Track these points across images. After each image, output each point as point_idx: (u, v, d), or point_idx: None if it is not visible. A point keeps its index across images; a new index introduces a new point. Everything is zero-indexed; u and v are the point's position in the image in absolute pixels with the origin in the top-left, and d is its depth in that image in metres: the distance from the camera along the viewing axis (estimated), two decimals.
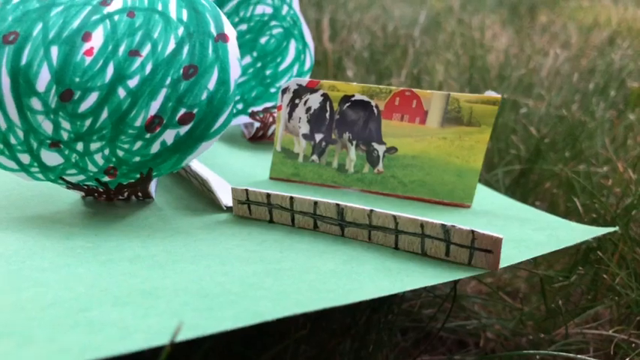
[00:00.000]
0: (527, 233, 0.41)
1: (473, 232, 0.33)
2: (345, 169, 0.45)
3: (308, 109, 0.44)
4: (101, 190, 0.37)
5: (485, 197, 0.48)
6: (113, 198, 0.38)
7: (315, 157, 0.45)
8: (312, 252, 0.34)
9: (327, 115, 0.44)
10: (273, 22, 0.51)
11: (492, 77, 0.78)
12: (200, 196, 0.41)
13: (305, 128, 0.44)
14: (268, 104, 0.51)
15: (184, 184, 0.43)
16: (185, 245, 0.34)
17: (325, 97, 0.44)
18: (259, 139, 0.52)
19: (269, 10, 0.51)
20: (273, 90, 0.51)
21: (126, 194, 0.38)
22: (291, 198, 0.37)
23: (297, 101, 0.44)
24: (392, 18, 1.33)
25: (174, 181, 0.43)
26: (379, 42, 0.96)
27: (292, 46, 0.51)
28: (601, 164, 0.61)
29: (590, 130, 0.68)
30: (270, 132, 0.52)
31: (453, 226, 0.34)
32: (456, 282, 0.44)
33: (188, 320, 0.26)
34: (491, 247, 0.33)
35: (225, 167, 0.49)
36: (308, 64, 0.52)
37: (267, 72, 0.51)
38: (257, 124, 0.52)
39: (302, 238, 0.36)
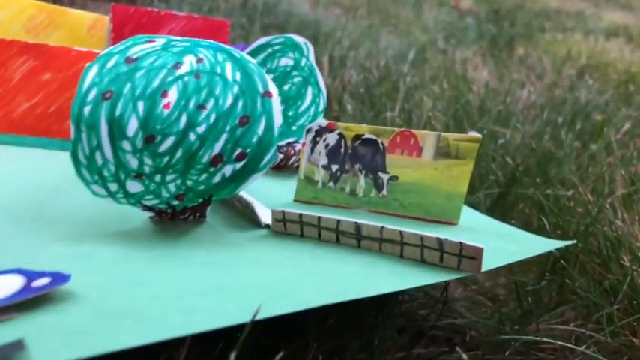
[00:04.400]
0: (503, 245, 0.51)
1: (461, 243, 0.43)
2: (356, 194, 0.55)
3: (327, 145, 0.54)
4: (169, 211, 0.47)
5: (469, 216, 0.59)
6: (175, 218, 0.48)
7: (331, 184, 0.55)
8: (337, 259, 0.45)
9: (342, 150, 0.54)
10: (294, 72, 0.61)
11: (474, 111, 0.89)
12: (242, 215, 0.51)
13: (324, 160, 0.55)
14: (290, 139, 0.62)
15: (228, 206, 0.53)
16: (239, 254, 0.44)
17: (341, 135, 0.54)
18: (282, 168, 0.62)
19: (290, 62, 0.61)
20: (294, 128, 0.62)
21: (187, 215, 0.48)
22: (319, 218, 0.47)
23: (317, 139, 0.54)
24: (382, 52, 1.45)
25: (220, 204, 0.53)
26: (372, 77, 1.08)
27: (309, 91, 0.62)
28: (567, 188, 0.72)
29: (558, 158, 0.79)
30: (290, 162, 0.62)
31: (446, 239, 0.44)
32: (447, 285, 0.54)
33: (251, 305, 0.36)
34: (475, 254, 0.43)
35: (255, 191, 0.58)
36: (322, 106, 0.63)
37: (289, 113, 0.61)
38: (280, 156, 0.62)
39: (327, 249, 0.46)
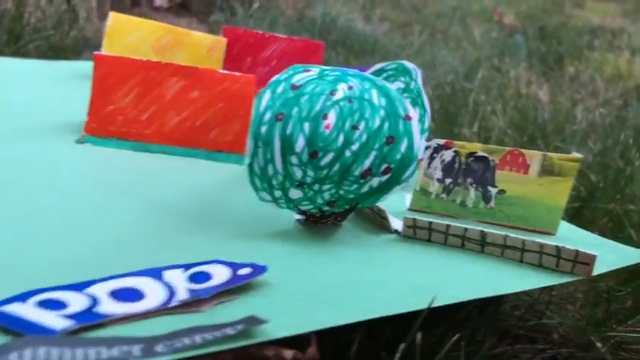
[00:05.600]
0: (602, 254, 0.58)
1: (577, 250, 0.50)
2: (466, 205, 0.62)
3: (442, 161, 0.62)
4: (317, 215, 0.54)
5: (564, 228, 0.65)
6: (318, 221, 0.55)
7: (444, 195, 0.62)
8: (465, 262, 0.52)
9: (456, 165, 0.62)
10: (405, 95, 0.69)
11: (549, 130, 0.96)
12: (370, 221, 0.59)
13: (439, 174, 0.62)
14: None
15: (357, 212, 0.60)
16: (379, 254, 0.52)
17: (456, 152, 0.61)
18: None
19: (402, 86, 0.69)
20: None
21: (329, 219, 0.55)
22: (448, 225, 0.54)
23: (435, 155, 0.62)
24: (439, 67, 1.52)
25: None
26: (445, 94, 1.15)
27: (417, 112, 0.69)
28: None
29: (629, 176, 0.85)
30: None
31: (564, 246, 0.51)
32: (551, 289, 0.61)
33: (414, 297, 0.43)
34: (588, 261, 0.50)
35: None
36: (427, 124, 0.70)
37: None
38: None
39: (453, 252, 0.53)
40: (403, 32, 2.11)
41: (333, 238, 0.54)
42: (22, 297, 0.37)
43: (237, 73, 0.66)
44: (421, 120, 0.70)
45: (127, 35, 0.79)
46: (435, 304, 0.42)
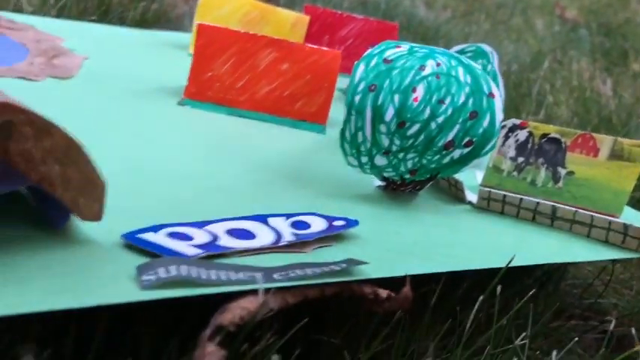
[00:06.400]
0: None
1: None
2: (535, 184, 0.66)
3: (516, 140, 0.65)
4: (398, 182, 0.59)
5: (627, 212, 0.68)
6: (398, 188, 0.60)
7: (515, 173, 0.66)
8: (535, 231, 0.55)
9: (529, 145, 0.65)
10: None
11: (614, 122, 0.98)
12: (446, 192, 0.63)
13: (512, 153, 0.66)
14: None
15: (433, 183, 0.64)
16: (456, 219, 0.56)
17: (530, 133, 0.65)
18: None
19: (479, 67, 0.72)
20: None
21: (408, 187, 0.59)
22: (521, 199, 0.58)
23: (509, 134, 0.65)
24: (505, 55, 1.53)
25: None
26: (509, 81, 1.17)
27: None
28: None
29: None
30: None
31: (631, 224, 0.54)
32: (613, 264, 0.64)
33: (494, 255, 0.47)
34: None
35: None
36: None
37: None
38: None
39: (525, 224, 0.57)
40: (465, 21, 2.12)
41: (412, 204, 0.58)
42: (154, 228, 0.42)
43: (324, 48, 0.71)
44: None
45: (218, 9, 0.84)
46: (513, 264, 0.46)
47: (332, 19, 0.94)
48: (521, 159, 0.66)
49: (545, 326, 0.63)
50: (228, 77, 0.68)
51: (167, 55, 0.87)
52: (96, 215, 0.40)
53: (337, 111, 0.74)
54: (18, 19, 0.81)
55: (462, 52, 0.72)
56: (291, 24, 0.86)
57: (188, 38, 0.91)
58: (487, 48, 0.72)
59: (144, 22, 1.19)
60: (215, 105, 0.69)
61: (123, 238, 0.40)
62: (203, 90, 0.68)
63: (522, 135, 0.65)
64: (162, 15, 1.32)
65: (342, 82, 0.74)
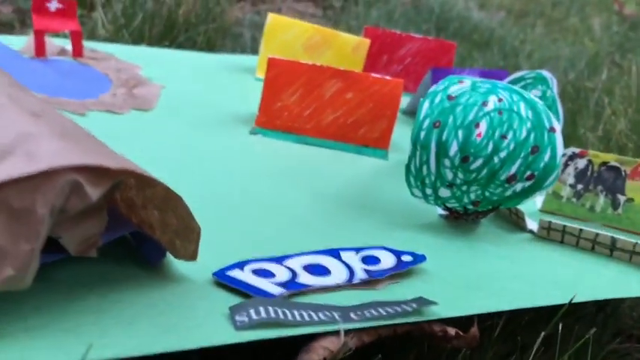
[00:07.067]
0: None
1: None
2: (594, 210, 0.67)
3: (576, 168, 0.67)
4: (461, 212, 0.61)
5: None
6: (460, 218, 0.62)
7: (574, 200, 0.68)
8: (595, 262, 0.57)
9: (589, 173, 0.67)
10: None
11: None
12: (507, 220, 0.65)
13: (571, 180, 0.67)
14: None
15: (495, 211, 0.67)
16: (517, 249, 0.58)
17: (589, 161, 0.66)
18: None
19: (538, 93, 0.74)
20: None
21: (470, 216, 0.62)
22: (580, 229, 0.59)
23: (569, 162, 0.67)
24: (556, 61, 1.52)
25: None
26: (566, 92, 1.17)
27: None
28: None
29: None
30: None
31: None
32: None
33: (555, 291, 0.49)
34: None
35: None
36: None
37: None
38: None
39: (584, 255, 0.59)
40: (519, 23, 2.10)
41: (474, 234, 0.61)
42: (239, 265, 0.47)
43: (387, 77, 0.73)
44: None
45: (283, 34, 0.88)
46: (575, 301, 0.48)
47: (391, 39, 0.96)
48: (580, 186, 0.68)
49: (603, 348, 0.65)
50: (296, 107, 0.72)
51: (235, 80, 0.91)
52: (192, 256, 0.44)
53: (398, 135, 0.77)
54: (99, 47, 0.87)
55: (522, 78, 0.74)
56: (352, 48, 0.89)
57: (253, 60, 0.96)
58: (547, 74, 0.74)
59: (207, 40, 1.24)
60: (283, 133, 0.73)
61: (214, 277, 0.45)
62: (272, 119, 0.72)
63: (581, 163, 0.67)
64: (222, 33, 1.37)
65: (401, 101, 0.77)
